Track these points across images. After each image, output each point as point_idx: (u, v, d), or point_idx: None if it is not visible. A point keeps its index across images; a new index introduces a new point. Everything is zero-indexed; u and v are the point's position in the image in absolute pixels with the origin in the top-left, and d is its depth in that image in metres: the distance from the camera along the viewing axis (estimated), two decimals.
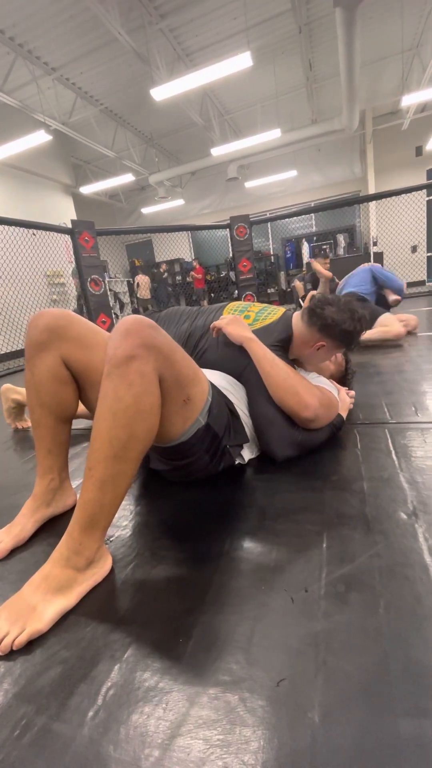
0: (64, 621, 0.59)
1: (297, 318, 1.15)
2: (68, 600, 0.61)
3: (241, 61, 4.24)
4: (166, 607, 0.59)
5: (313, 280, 4.46)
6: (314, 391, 1.00)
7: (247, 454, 1.02)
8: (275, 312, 1.20)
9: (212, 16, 4.90)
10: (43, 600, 0.59)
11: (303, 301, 4.41)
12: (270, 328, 1.14)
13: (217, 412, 0.87)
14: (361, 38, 4.50)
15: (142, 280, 8.44)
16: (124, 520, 0.85)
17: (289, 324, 1.15)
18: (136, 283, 8.48)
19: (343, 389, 1.24)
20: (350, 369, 1.40)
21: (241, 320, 1.11)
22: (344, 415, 1.14)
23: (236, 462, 0.98)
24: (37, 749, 0.41)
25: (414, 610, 0.53)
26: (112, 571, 0.68)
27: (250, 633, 0.53)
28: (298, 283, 4.47)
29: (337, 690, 0.44)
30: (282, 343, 1.12)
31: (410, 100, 5.96)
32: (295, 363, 1.18)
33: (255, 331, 1.10)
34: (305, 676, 0.46)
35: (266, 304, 1.27)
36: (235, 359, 1.08)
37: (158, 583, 0.65)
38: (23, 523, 0.82)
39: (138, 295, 8.37)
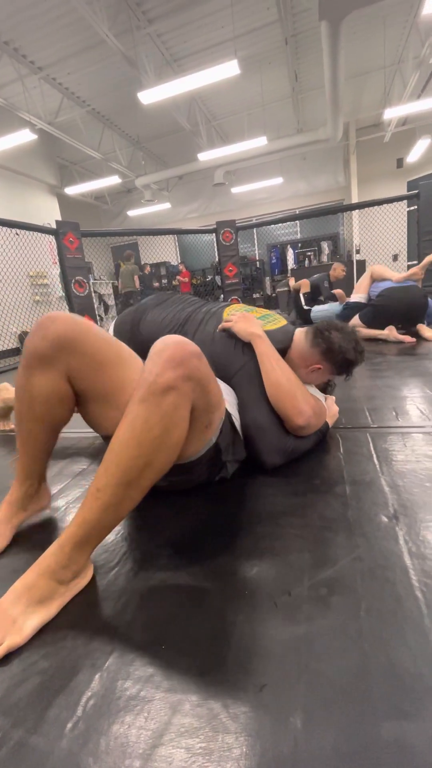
0: (43, 629, 0.57)
1: (300, 334, 1.14)
2: (49, 611, 0.59)
3: (229, 69, 4.29)
4: (148, 613, 0.58)
5: (329, 280, 4.47)
6: (310, 399, 1.01)
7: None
8: (277, 321, 1.19)
9: (200, 23, 4.95)
10: (24, 612, 0.57)
11: (307, 298, 4.34)
12: (269, 334, 1.12)
13: (225, 430, 0.86)
14: (345, 52, 4.62)
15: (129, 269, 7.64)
16: None
17: (290, 336, 1.14)
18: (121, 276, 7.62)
19: (331, 398, 1.26)
20: (331, 380, 1.41)
21: (252, 318, 1.10)
22: (330, 423, 1.16)
23: (230, 473, 0.96)
24: (13, 764, 0.40)
25: (395, 611, 0.54)
26: (93, 577, 0.67)
27: (233, 638, 0.52)
28: (305, 280, 4.38)
29: (319, 694, 0.44)
30: (281, 351, 1.11)
31: (392, 113, 6.14)
32: None
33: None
34: (288, 680, 0.46)
35: (270, 312, 1.26)
36: (227, 361, 1.06)
37: (140, 589, 0.64)
38: (1, 531, 0.79)
39: (120, 290, 7.50)
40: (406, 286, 2.71)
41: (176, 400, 0.61)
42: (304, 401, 0.98)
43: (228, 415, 0.92)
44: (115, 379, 0.76)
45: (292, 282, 4.63)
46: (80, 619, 0.59)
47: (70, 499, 0.98)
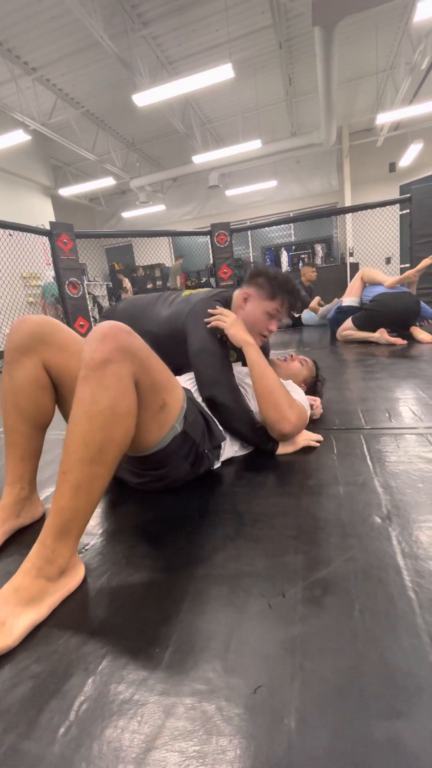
0: (35, 633, 0.57)
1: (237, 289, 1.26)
2: (39, 612, 0.58)
3: (223, 72, 4.31)
4: (142, 616, 0.58)
5: (306, 289, 4.53)
6: (294, 408, 1.03)
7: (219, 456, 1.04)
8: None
9: (195, 26, 4.98)
10: (13, 614, 0.56)
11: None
12: (215, 292, 1.24)
13: (192, 418, 0.88)
14: (338, 57, 4.67)
15: (128, 283, 8.50)
16: (99, 528, 0.83)
17: (231, 291, 1.26)
18: (124, 287, 8.41)
19: (317, 403, 1.29)
20: (320, 375, 1.44)
21: (242, 324, 1.14)
22: (284, 450, 1.11)
23: (214, 463, 0.99)
24: None
25: (387, 612, 0.54)
26: (85, 580, 0.67)
27: (227, 640, 0.52)
28: None
29: (313, 694, 0.44)
30: (220, 300, 1.20)
31: (384, 118, 6.21)
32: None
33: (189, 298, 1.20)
34: (282, 681, 0.46)
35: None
36: (179, 313, 1.18)
37: (133, 591, 0.63)
38: None
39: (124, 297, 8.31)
40: (399, 293, 2.72)
41: (115, 370, 0.64)
42: (289, 409, 1.01)
43: (195, 402, 0.96)
44: None
45: None
46: (73, 623, 0.58)
47: None
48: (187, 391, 0.98)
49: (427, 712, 0.41)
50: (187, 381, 1.12)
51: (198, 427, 0.91)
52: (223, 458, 1.05)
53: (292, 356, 1.39)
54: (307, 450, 1.10)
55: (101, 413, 0.62)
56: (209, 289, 1.29)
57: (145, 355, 0.71)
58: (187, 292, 1.29)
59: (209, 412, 1.02)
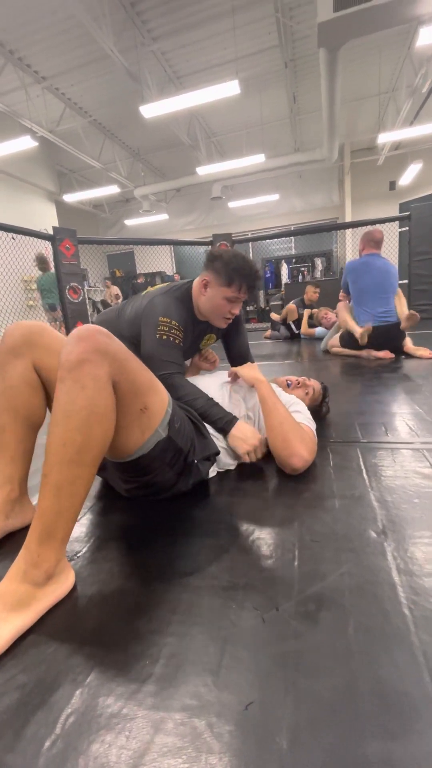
0: (22, 641, 0.56)
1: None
2: (26, 618, 0.57)
3: (229, 89, 4.41)
4: (133, 626, 0.57)
5: (304, 304, 4.57)
6: (306, 441, 1.02)
7: (213, 468, 1.04)
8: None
9: (203, 44, 5.10)
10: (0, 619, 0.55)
11: (297, 324, 4.45)
12: (173, 286, 1.28)
13: (179, 425, 0.87)
14: (342, 78, 4.79)
15: (116, 292, 8.26)
16: (91, 536, 0.82)
17: (190, 281, 1.29)
18: (110, 294, 8.16)
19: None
20: (326, 403, 1.39)
21: (255, 366, 1.18)
22: (233, 442, 1.06)
23: (207, 474, 0.98)
24: None
25: (382, 628, 0.54)
26: (75, 588, 0.66)
27: (219, 654, 0.51)
28: (291, 306, 4.51)
29: (306, 713, 0.43)
30: (178, 295, 1.24)
31: (385, 138, 6.36)
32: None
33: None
34: (274, 698, 0.45)
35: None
36: (140, 309, 1.23)
37: (125, 602, 0.62)
38: None
39: (110, 303, 7.93)
40: (386, 325, 2.69)
41: (91, 371, 0.64)
42: (300, 443, 1.00)
43: (184, 409, 0.96)
44: None
45: (275, 317, 4.74)
46: (62, 632, 0.57)
47: None
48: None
49: (422, 733, 0.40)
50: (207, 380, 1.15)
51: (185, 435, 0.89)
52: (216, 471, 1.04)
53: (298, 382, 1.33)
54: None
55: (78, 413, 0.62)
56: (168, 283, 1.31)
57: (123, 357, 0.71)
58: (148, 291, 1.32)
59: (200, 420, 1.01)
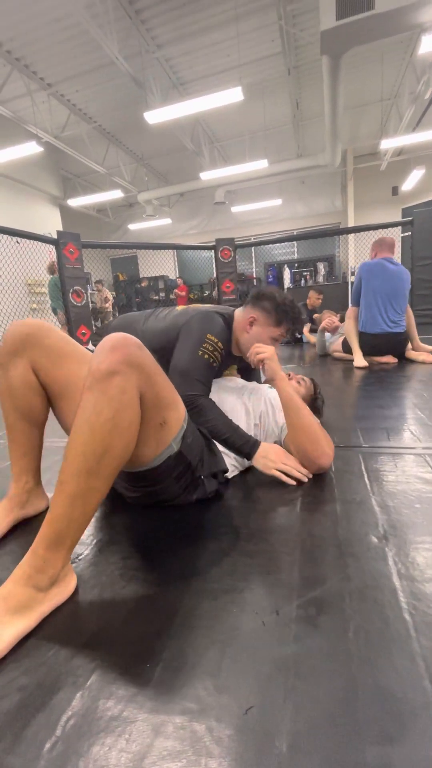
0: (23, 644, 0.56)
1: (239, 308, 1.25)
2: (28, 622, 0.57)
3: (233, 95, 4.45)
4: (134, 630, 0.57)
5: (307, 309, 4.59)
6: (329, 439, 1.02)
7: (230, 468, 1.03)
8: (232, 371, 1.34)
9: (207, 51, 5.16)
10: (1, 622, 0.55)
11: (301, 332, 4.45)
12: (215, 308, 1.23)
13: (191, 440, 0.86)
14: (344, 84, 4.83)
15: (108, 293, 7.86)
16: (92, 539, 0.83)
17: (231, 313, 1.24)
18: (103, 297, 7.70)
19: (291, 462, 1.15)
20: (320, 394, 1.43)
21: (277, 360, 1.12)
22: (258, 464, 1.05)
23: (213, 492, 0.94)
24: None
25: (382, 633, 0.54)
26: (76, 591, 0.66)
27: (219, 658, 0.51)
28: None
29: (305, 717, 0.43)
30: (221, 315, 1.19)
31: (388, 144, 6.39)
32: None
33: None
34: (274, 702, 0.45)
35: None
36: (169, 331, 1.17)
37: (126, 604, 0.62)
38: None
39: (99, 307, 7.56)
40: (389, 333, 2.69)
41: (120, 383, 0.63)
42: (327, 443, 1.01)
43: (196, 425, 0.95)
44: (73, 373, 0.84)
45: None
46: (62, 634, 0.57)
47: None
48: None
49: (422, 739, 0.40)
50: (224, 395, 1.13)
51: (195, 450, 0.88)
52: (233, 472, 1.05)
53: (290, 375, 1.38)
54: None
55: (103, 425, 0.61)
56: (211, 305, 1.29)
57: (152, 370, 0.70)
58: (181, 307, 1.28)
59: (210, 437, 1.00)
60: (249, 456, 1.02)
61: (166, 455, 0.80)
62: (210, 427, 1.01)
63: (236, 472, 1.08)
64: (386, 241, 2.83)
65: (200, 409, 1.02)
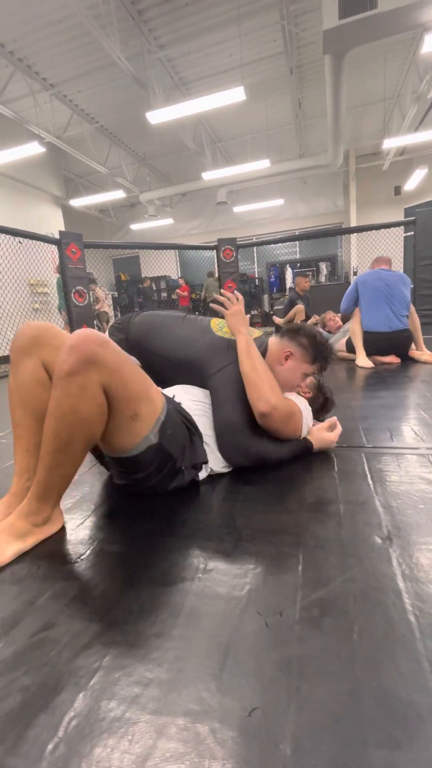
0: (27, 644, 0.56)
1: (273, 337, 1.26)
2: (25, 543, 0.77)
3: (235, 95, 4.44)
4: (136, 631, 0.57)
5: (301, 298, 4.64)
6: (278, 392, 1.05)
7: (203, 471, 1.04)
8: (254, 333, 1.27)
9: (209, 51, 5.16)
10: (6, 542, 0.75)
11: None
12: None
13: (172, 432, 0.91)
14: (347, 84, 4.82)
15: (100, 293, 7.61)
16: (94, 539, 0.82)
17: (265, 342, 1.23)
18: (95, 298, 7.41)
19: (325, 424, 1.21)
20: (327, 392, 1.36)
21: (243, 316, 1.21)
22: (317, 447, 1.14)
23: (188, 480, 0.99)
24: None
25: (387, 635, 0.53)
26: (80, 591, 0.66)
27: (222, 659, 0.51)
28: (300, 306, 4.53)
29: (310, 719, 0.43)
30: (260, 347, 1.18)
31: (390, 144, 6.37)
32: None
33: (231, 341, 1.16)
34: (278, 704, 0.45)
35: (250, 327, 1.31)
36: (210, 358, 1.13)
37: (128, 606, 0.62)
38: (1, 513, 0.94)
39: (96, 308, 7.32)
40: (392, 332, 2.69)
41: (80, 381, 0.72)
42: (269, 390, 1.02)
43: (180, 415, 0.98)
44: None
45: (278, 320, 4.76)
46: (64, 635, 0.57)
47: (74, 501, 0.96)
48: (174, 403, 1.01)
49: (427, 742, 0.40)
50: (184, 394, 1.11)
51: (177, 442, 0.93)
52: (206, 474, 1.05)
53: (299, 387, 1.35)
54: (308, 466, 1.09)
55: (63, 417, 0.73)
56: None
57: (116, 365, 0.77)
58: (215, 321, 1.24)
59: (197, 428, 1.02)
60: (310, 450, 1.13)
61: (144, 445, 0.86)
62: (279, 459, 1.08)
63: (227, 470, 1.08)
64: (382, 258, 2.98)
65: (261, 455, 1.05)
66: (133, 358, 1.23)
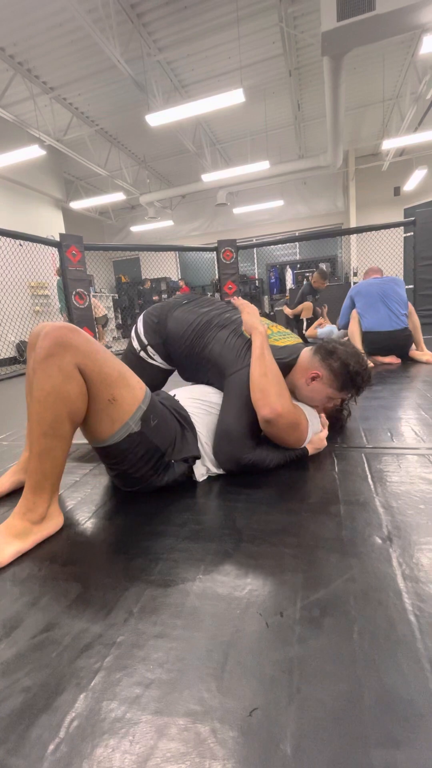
0: (28, 645, 0.56)
1: (307, 349, 1.19)
2: (24, 543, 0.77)
3: (234, 97, 4.45)
4: (137, 631, 0.57)
5: (312, 289, 4.67)
6: (285, 400, 1.00)
7: (203, 471, 1.04)
8: (291, 338, 1.25)
9: (208, 53, 5.17)
10: (5, 542, 0.76)
11: (309, 322, 4.43)
12: (277, 349, 1.15)
13: (157, 423, 0.92)
14: (346, 86, 4.83)
15: (95, 303, 7.98)
16: (95, 541, 0.83)
17: (297, 352, 1.18)
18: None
19: (323, 432, 1.18)
20: (343, 418, 1.36)
21: (258, 315, 1.18)
22: (311, 451, 1.13)
23: (183, 476, 1.00)
24: None
25: (387, 635, 0.53)
26: (81, 592, 0.66)
27: (223, 659, 0.51)
28: (308, 303, 4.54)
29: (310, 719, 0.43)
30: (282, 366, 1.10)
31: (390, 144, 6.38)
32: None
33: (249, 341, 1.13)
34: (278, 704, 0.45)
35: (289, 331, 1.30)
36: (229, 361, 1.11)
37: (129, 606, 0.62)
38: (2, 481, 1.05)
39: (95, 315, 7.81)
40: (393, 331, 2.69)
41: (56, 362, 0.77)
42: (276, 397, 0.98)
43: (174, 409, 1.00)
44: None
45: (287, 311, 4.76)
46: (66, 636, 0.57)
47: (75, 503, 0.97)
48: (169, 397, 1.03)
49: (428, 742, 0.40)
50: (183, 392, 1.13)
51: (164, 434, 0.94)
52: (206, 474, 1.05)
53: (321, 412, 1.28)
54: (308, 466, 1.10)
55: (46, 397, 0.76)
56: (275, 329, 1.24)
57: (88, 349, 0.81)
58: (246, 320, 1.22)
59: (192, 424, 1.03)
60: (306, 455, 1.12)
61: (124, 433, 0.88)
62: (273, 467, 1.06)
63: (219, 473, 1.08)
64: (373, 268, 3.06)
65: (254, 464, 1.03)
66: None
